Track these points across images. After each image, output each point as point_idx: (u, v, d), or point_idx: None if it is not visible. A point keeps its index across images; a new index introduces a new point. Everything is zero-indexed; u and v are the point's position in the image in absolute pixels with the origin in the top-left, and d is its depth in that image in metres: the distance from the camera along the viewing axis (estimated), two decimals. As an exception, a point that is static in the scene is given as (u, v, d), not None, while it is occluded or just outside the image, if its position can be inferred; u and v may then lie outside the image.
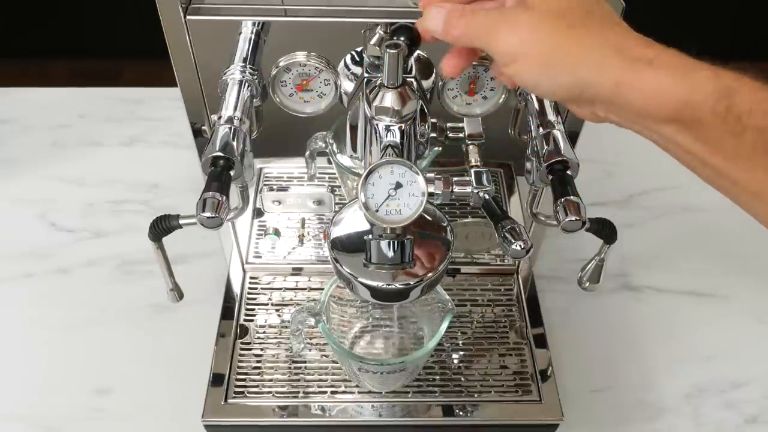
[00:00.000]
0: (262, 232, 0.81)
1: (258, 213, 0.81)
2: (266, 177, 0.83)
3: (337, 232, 0.54)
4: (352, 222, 0.54)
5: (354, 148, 0.60)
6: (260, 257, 0.80)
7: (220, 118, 0.55)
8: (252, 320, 0.76)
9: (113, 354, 0.76)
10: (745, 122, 0.35)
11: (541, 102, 0.57)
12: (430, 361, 0.71)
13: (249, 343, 0.73)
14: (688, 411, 0.74)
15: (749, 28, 2.26)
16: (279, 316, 0.76)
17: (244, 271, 0.80)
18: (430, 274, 0.52)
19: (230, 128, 0.54)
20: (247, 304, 0.77)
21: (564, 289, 0.83)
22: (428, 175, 0.52)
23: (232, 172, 0.52)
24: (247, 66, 0.57)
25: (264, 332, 0.74)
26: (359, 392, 0.70)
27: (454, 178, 0.54)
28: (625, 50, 0.38)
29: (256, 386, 0.70)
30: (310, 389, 0.70)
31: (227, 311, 0.76)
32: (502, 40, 0.41)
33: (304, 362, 0.72)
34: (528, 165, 0.57)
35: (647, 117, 0.39)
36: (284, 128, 0.64)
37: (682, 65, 0.37)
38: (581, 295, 0.67)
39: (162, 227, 0.55)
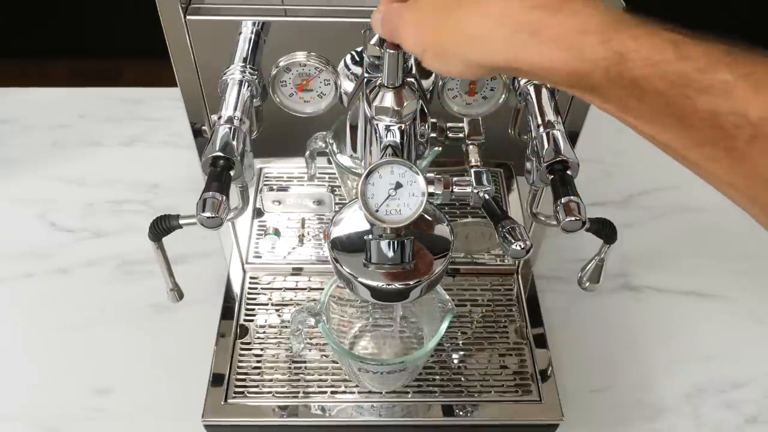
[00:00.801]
0: (262, 232, 0.81)
1: (258, 213, 0.81)
2: (266, 177, 0.83)
3: (337, 232, 0.54)
4: (352, 222, 0.54)
5: (354, 148, 0.60)
6: (260, 257, 0.80)
7: (220, 118, 0.55)
8: (252, 320, 0.76)
9: (113, 354, 0.76)
10: (642, 86, 0.34)
11: (540, 102, 0.57)
12: (430, 361, 0.72)
13: (249, 343, 0.73)
14: (687, 411, 0.74)
15: (749, 28, 2.26)
16: (279, 316, 0.76)
17: (244, 271, 0.80)
18: (430, 274, 0.52)
19: (230, 128, 0.54)
20: (247, 304, 0.77)
21: (564, 289, 0.83)
22: (428, 175, 0.52)
23: (232, 172, 0.52)
24: (247, 66, 0.57)
25: (264, 332, 0.74)
26: (359, 392, 0.70)
27: (454, 178, 0.54)
28: (508, 19, 0.36)
29: (256, 386, 0.70)
30: (310, 389, 0.70)
31: (227, 311, 0.76)
32: (404, 41, 0.43)
33: (304, 362, 0.72)
34: (528, 165, 0.57)
35: (551, 83, 0.38)
36: (284, 128, 0.64)
37: (567, 32, 0.35)
38: (581, 295, 0.67)
39: (162, 227, 0.55)
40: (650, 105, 0.34)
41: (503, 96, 0.61)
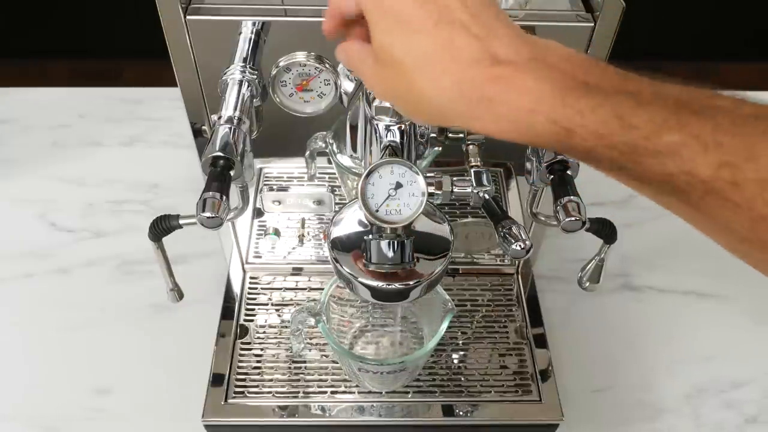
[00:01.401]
0: (262, 232, 0.81)
1: (258, 213, 0.81)
2: (266, 177, 0.83)
3: (337, 232, 0.54)
4: (352, 222, 0.54)
5: (354, 148, 0.60)
6: (260, 257, 0.80)
7: (220, 118, 0.55)
8: (252, 320, 0.76)
9: (113, 354, 0.76)
10: (594, 155, 0.36)
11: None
12: (430, 361, 0.71)
13: (249, 343, 0.73)
14: (688, 411, 0.74)
15: (750, 27, 2.26)
16: (279, 316, 0.76)
17: (244, 271, 0.80)
18: (429, 274, 0.52)
19: (230, 128, 0.54)
20: (247, 304, 0.77)
21: (564, 289, 0.83)
22: (428, 175, 0.52)
23: (232, 172, 0.52)
24: (247, 66, 0.57)
25: (264, 332, 0.74)
26: (359, 392, 0.70)
27: (454, 178, 0.54)
28: (464, 93, 0.37)
29: (256, 386, 0.70)
30: (310, 389, 0.70)
31: (227, 311, 0.76)
32: (368, 87, 0.44)
33: (304, 362, 0.72)
34: (528, 165, 0.57)
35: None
36: (284, 128, 0.64)
37: (518, 112, 0.36)
38: (581, 295, 0.67)
39: (162, 227, 0.55)
40: (606, 168, 0.37)
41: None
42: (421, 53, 0.38)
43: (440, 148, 0.61)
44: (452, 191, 0.54)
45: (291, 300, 0.77)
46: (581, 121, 0.35)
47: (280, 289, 0.79)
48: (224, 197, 0.51)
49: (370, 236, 0.51)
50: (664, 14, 2.07)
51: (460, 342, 0.74)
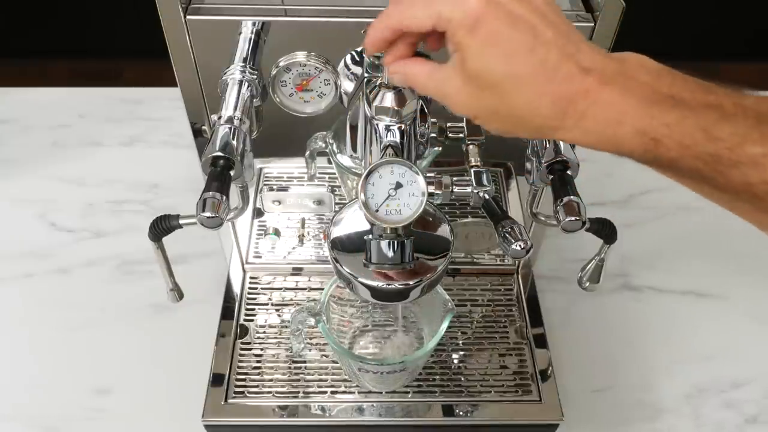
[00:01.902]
0: (262, 232, 0.81)
1: (258, 213, 0.81)
2: (266, 177, 0.83)
3: (337, 232, 0.54)
4: (352, 222, 0.54)
5: (354, 148, 0.60)
6: (260, 257, 0.80)
7: (220, 118, 0.55)
8: (252, 320, 0.76)
9: (113, 354, 0.76)
10: (678, 165, 0.38)
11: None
12: (430, 361, 0.71)
13: (249, 343, 0.73)
14: (688, 411, 0.74)
15: (750, 27, 2.26)
16: (279, 316, 0.76)
17: (244, 271, 0.80)
18: (430, 274, 0.52)
19: (230, 128, 0.54)
20: (247, 304, 0.77)
21: (564, 289, 0.83)
22: (428, 175, 0.52)
23: (232, 172, 0.52)
24: (247, 66, 0.57)
25: (264, 332, 0.74)
26: (359, 392, 0.70)
27: (454, 178, 0.54)
28: (555, 108, 0.39)
29: (256, 386, 0.70)
30: (310, 389, 0.70)
31: (227, 311, 0.76)
32: (452, 105, 0.43)
33: (304, 362, 0.72)
34: (528, 165, 0.57)
35: None
36: (284, 128, 0.64)
37: (605, 125, 0.38)
38: (581, 295, 0.67)
39: (162, 227, 0.55)
40: (688, 178, 0.39)
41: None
42: (518, 77, 0.39)
43: (440, 148, 0.61)
44: (452, 191, 0.54)
45: (291, 300, 0.77)
46: (668, 132, 0.37)
47: (280, 289, 0.79)
48: (224, 197, 0.51)
49: (370, 236, 0.51)
50: (664, 14, 2.07)
51: (460, 342, 0.74)
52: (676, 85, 0.38)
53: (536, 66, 0.39)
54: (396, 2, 0.43)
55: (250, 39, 0.57)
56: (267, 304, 0.77)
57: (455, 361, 0.72)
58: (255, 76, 0.57)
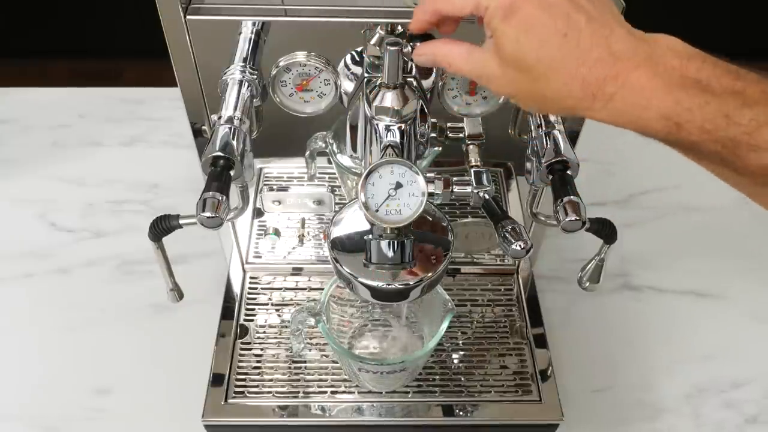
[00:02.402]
0: (262, 232, 0.81)
1: (258, 213, 0.81)
2: (266, 177, 0.83)
3: (337, 232, 0.54)
4: (352, 222, 0.54)
5: (354, 148, 0.60)
6: (260, 257, 0.80)
7: (220, 118, 0.55)
8: (252, 320, 0.76)
9: (113, 354, 0.76)
10: (699, 148, 0.39)
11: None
12: (430, 361, 0.71)
13: (249, 343, 0.73)
14: (688, 411, 0.74)
15: (750, 27, 2.26)
16: (279, 316, 0.76)
17: (244, 271, 0.80)
18: (430, 274, 0.52)
19: (230, 128, 0.54)
20: (247, 304, 0.77)
21: (564, 289, 0.83)
22: (428, 175, 0.52)
23: (232, 172, 0.52)
24: (247, 66, 0.57)
25: (264, 332, 0.74)
26: (359, 392, 0.70)
27: (454, 178, 0.54)
28: (587, 91, 0.41)
29: (256, 386, 0.70)
30: (310, 389, 0.70)
31: (227, 311, 0.76)
32: (493, 87, 0.46)
33: (304, 362, 0.72)
34: (528, 165, 0.57)
35: None
36: (284, 128, 0.64)
37: (632, 108, 0.40)
38: (581, 295, 0.67)
39: (162, 227, 0.55)
40: (708, 160, 0.41)
41: (503, 96, 0.61)
42: (552, 60, 0.41)
43: (440, 148, 0.61)
44: (452, 191, 0.54)
45: (291, 300, 0.77)
46: (690, 117, 0.38)
47: (280, 289, 0.79)
48: (224, 197, 0.51)
49: (370, 236, 0.51)
50: (665, 14, 2.07)
51: (460, 342, 0.74)
52: (705, 70, 0.39)
53: (569, 51, 0.40)
54: None
55: (250, 39, 0.57)
56: (267, 304, 0.77)
57: (455, 361, 0.72)
58: (255, 76, 0.57)
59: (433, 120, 0.58)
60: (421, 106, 0.53)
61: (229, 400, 0.68)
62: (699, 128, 0.38)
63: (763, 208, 0.42)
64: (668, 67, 0.40)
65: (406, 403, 0.69)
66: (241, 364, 0.71)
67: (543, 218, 0.60)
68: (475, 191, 0.54)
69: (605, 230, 0.57)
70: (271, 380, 0.70)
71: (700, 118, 0.38)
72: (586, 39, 0.40)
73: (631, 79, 0.40)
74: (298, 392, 0.70)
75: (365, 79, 0.54)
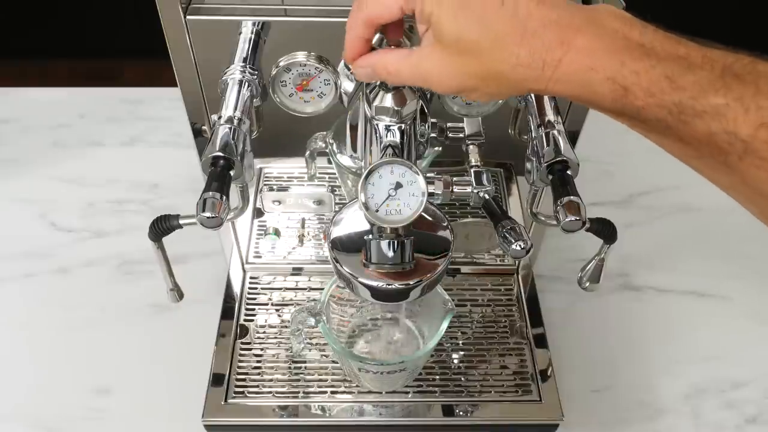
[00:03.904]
0: (262, 232, 0.81)
1: (258, 213, 0.81)
2: (266, 177, 0.83)
3: (337, 232, 0.54)
4: (352, 222, 0.54)
5: (354, 148, 0.60)
6: (260, 257, 0.80)
7: (220, 118, 0.55)
8: (252, 320, 0.76)
9: (113, 354, 0.76)
10: (645, 114, 0.39)
11: (540, 102, 0.57)
12: (430, 361, 0.71)
13: (249, 343, 0.73)
14: (688, 411, 0.74)
15: (750, 26, 2.26)
16: (279, 316, 0.76)
17: (244, 271, 0.80)
18: (429, 274, 0.52)
19: (230, 128, 0.54)
20: (247, 304, 0.77)
21: (564, 289, 0.83)
22: (428, 175, 0.52)
23: (232, 172, 0.52)
24: (247, 66, 0.57)
25: (264, 332, 0.74)
26: (359, 392, 0.70)
27: (454, 178, 0.54)
28: (538, 54, 0.40)
29: (256, 386, 0.70)
30: (310, 389, 0.70)
31: (227, 311, 0.76)
32: (435, 84, 0.44)
33: (304, 362, 0.72)
34: (528, 165, 0.57)
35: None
36: (284, 128, 0.64)
37: (580, 69, 0.39)
38: (581, 295, 0.67)
39: (162, 227, 0.55)
40: (654, 127, 0.39)
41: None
42: (494, 31, 0.40)
43: (440, 148, 0.61)
44: (452, 191, 0.54)
45: (291, 300, 0.77)
46: (636, 80, 0.38)
47: (280, 289, 0.79)
48: (224, 197, 0.51)
49: (370, 236, 0.51)
50: (664, 13, 2.07)
51: (460, 342, 0.74)
52: (647, 35, 0.39)
53: (508, 19, 0.40)
54: (358, 1, 0.45)
55: (250, 39, 0.57)
56: (267, 304, 0.77)
57: (455, 361, 0.72)
58: (255, 76, 0.57)
59: (433, 120, 0.58)
60: (421, 106, 0.53)
61: (229, 400, 0.68)
62: (645, 91, 0.38)
63: (708, 179, 0.41)
64: (610, 30, 0.39)
65: (406, 403, 0.69)
66: (241, 364, 0.71)
67: (543, 218, 0.60)
68: (475, 191, 0.54)
69: (605, 230, 0.57)
70: (271, 380, 0.70)
71: (645, 81, 0.38)
72: (523, 7, 0.40)
73: (576, 42, 0.39)
74: (298, 392, 0.70)
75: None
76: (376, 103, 0.51)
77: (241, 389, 0.69)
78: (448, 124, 0.59)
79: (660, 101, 0.37)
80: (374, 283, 0.52)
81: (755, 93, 0.35)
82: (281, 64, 0.58)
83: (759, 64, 0.37)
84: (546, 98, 0.58)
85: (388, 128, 0.51)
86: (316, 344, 0.73)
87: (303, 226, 0.81)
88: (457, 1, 0.40)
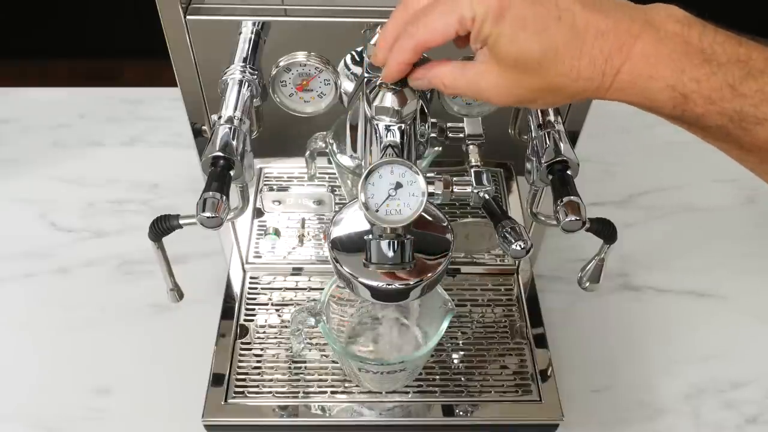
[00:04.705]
0: (262, 232, 0.81)
1: (258, 213, 0.81)
2: (266, 177, 0.83)
3: (337, 232, 0.54)
4: (352, 222, 0.54)
5: (354, 148, 0.60)
6: (260, 257, 0.80)
7: (220, 118, 0.55)
8: (252, 320, 0.76)
9: (113, 354, 0.76)
10: (705, 121, 0.38)
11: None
12: (430, 361, 0.71)
13: (249, 343, 0.73)
14: (687, 411, 0.74)
15: (750, 25, 2.25)
16: (279, 316, 0.76)
17: (244, 271, 0.80)
18: (430, 274, 0.52)
19: (230, 128, 0.54)
20: (247, 304, 0.77)
21: (564, 289, 0.83)
22: (428, 175, 0.52)
23: (232, 172, 0.52)
24: (247, 66, 0.57)
25: (264, 332, 0.74)
26: (359, 392, 0.70)
27: (454, 178, 0.54)
28: (598, 64, 0.39)
29: (256, 386, 0.70)
30: (310, 389, 0.70)
31: (227, 311, 0.76)
32: (492, 99, 0.44)
33: (304, 362, 0.72)
34: (528, 165, 0.57)
35: None
36: (284, 128, 0.64)
37: (638, 78, 0.39)
38: (581, 295, 0.67)
39: (162, 227, 0.55)
40: (714, 134, 0.39)
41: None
42: (554, 46, 0.40)
43: (440, 148, 0.61)
44: (452, 191, 0.54)
45: (291, 300, 0.77)
46: (696, 87, 0.37)
47: (280, 289, 0.79)
48: (224, 197, 0.51)
49: (370, 236, 0.51)
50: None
51: (460, 342, 0.74)
52: (707, 37, 0.38)
53: (567, 32, 0.39)
54: (411, 21, 0.43)
55: (250, 39, 0.57)
56: (267, 304, 0.77)
57: (455, 361, 0.72)
58: (255, 76, 0.57)
59: (433, 120, 0.58)
60: (421, 106, 0.53)
61: (229, 400, 0.68)
62: (705, 99, 0.37)
63: None
64: (669, 34, 0.38)
65: (406, 403, 0.69)
66: (241, 364, 0.71)
67: (543, 218, 0.60)
68: (475, 191, 0.54)
69: (605, 230, 0.57)
70: (271, 380, 0.70)
71: (706, 89, 0.37)
72: (580, 18, 0.39)
73: (635, 49, 0.38)
74: (298, 392, 0.70)
75: (365, 79, 0.54)
76: (376, 103, 0.51)
77: (241, 389, 0.69)
78: (448, 124, 0.59)
79: (721, 109, 0.37)
80: (374, 283, 0.52)
81: None
82: (281, 64, 0.58)
83: None
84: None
85: (388, 128, 0.51)
86: (316, 344, 0.73)
87: (303, 226, 0.81)
88: (517, 18, 0.40)
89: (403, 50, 0.44)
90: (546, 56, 0.40)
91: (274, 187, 0.81)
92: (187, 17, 0.55)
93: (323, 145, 0.66)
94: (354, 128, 0.57)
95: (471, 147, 0.59)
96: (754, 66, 0.37)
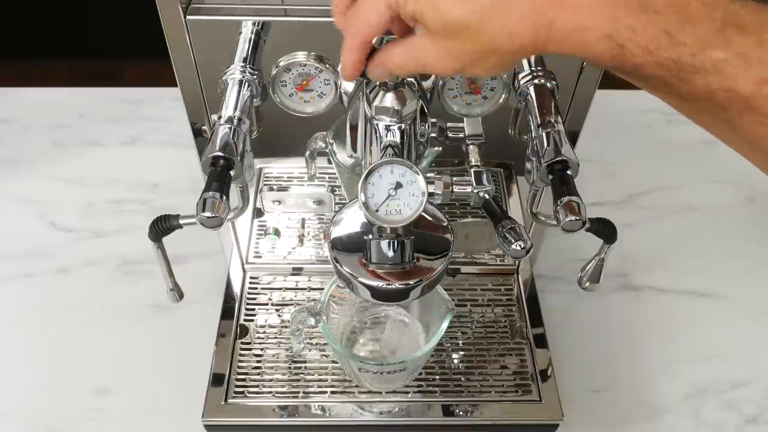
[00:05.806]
0: (262, 232, 0.81)
1: (258, 213, 0.81)
2: (266, 177, 0.83)
3: (337, 232, 0.54)
4: (352, 222, 0.54)
5: (354, 148, 0.60)
6: (260, 257, 0.80)
7: (220, 118, 0.55)
8: (252, 320, 0.76)
9: (113, 354, 0.76)
10: (643, 72, 0.37)
11: (540, 102, 0.57)
12: (430, 361, 0.72)
13: (249, 343, 0.73)
14: (687, 411, 0.74)
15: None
16: (279, 316, 0.76)
17: (244, 271, 0.80)
18: (430, 274, 0.52)
19: (230, 128, 0.54)
20: (247, 304, 0.77)
21: (564, 289, 0.83)
22: (428, 175, 0.52)
23: (232, 172, 0.52)
24: (247, 66, 0.57)
25: (264, 332, 0.74)
26: (359, 392, 0.70)
27: (454, 178, 0.54)
28: (532, 19, 0.38)
29: (256, 386, 0.70)
30: (310, 389, 0.70)
31: (227, 311, 0.76)
32: (437, 70, 0.44)
33: (304, 362, 0.72)
34: (528, 165, 0.57)
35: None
36: (284, 128, 0.64)
37: (573, 28, 0.38)
38: (581, 295, 0.67)
39: (162, 227, 0.55)
40: (653, 84, 0.38)
41: (503, 96, 0.61)
42: (479, 10, 0.39)
43: (440, 148, 0.61)
44: (452, 191, 0.54)
45: (291, 300, 0.77)
46: (632, 36, 0.36)
47: (280, 289, 0.79)
48: (224, 197, 0.51)
49: (370, 236, 0.51)
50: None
51: (460, 342, 0.74)
52: None
53: None
54: (348, 23, 0.44)
55: (250, 39, 0.57)
56: (267, 304, 0.77)
57: (455, 361, 0.72)
58: (255, 76, 0.57)
59: (433, 120, 0.58)
60: (421, 106, 0.53)
61: (229, 400, 0.68)
62: (642, 49, 0.36)
63: (709, 132, 0.39)
64: None
65: (406, 403, 0.69)
66: (241, 364, 0.71)
67: (543, 218, 0.60)
68: (475, 191, 0.54)
69: (605, 230, 0.57)
70: (271, 380, 0.70)
71: (642, 38, 0.36)
72: None
73: (567, 2, 0.37)
74: (298, 392, 0.70)
75: (365, 80, 0.54)
76: (376, 102, 0.51)
77: (241, 389, 0.69)
78: (448, 124, 0.59)
79: (658, 58, 0.36)
80: (374, 283, 0.52)
81: (757, 45, 0.34)
82: (281, 64, 0.58)
83: (765, 10, 0.35)
84: (546, 98, 0.58)
85: (388, 128, 0.51)
86: (316, 344, 0.73)
87: (303, 226, 0.81)
88: None
89: (350, 51, 0.45)
90: (472, 18, 0.39)
91: (274, 187, 0.81)
92: (187, 17, 0.55)
93: (323, 145, 0.66)
94: (354, 128, 0.58)
95: (471, 147, 0.59)
96: (692, 12, 0.35)
